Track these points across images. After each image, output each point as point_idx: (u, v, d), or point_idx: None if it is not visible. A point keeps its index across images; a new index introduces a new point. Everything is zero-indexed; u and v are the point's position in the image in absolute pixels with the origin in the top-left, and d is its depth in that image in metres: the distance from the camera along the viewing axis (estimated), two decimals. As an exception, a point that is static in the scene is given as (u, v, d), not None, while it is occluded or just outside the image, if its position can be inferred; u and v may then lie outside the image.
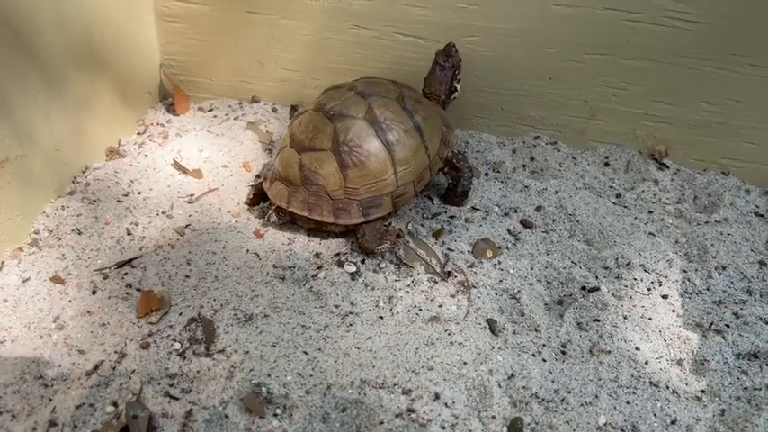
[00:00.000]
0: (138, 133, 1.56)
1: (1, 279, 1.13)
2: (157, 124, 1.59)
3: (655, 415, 1.02)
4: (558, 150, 1.57)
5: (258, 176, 1.45)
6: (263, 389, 0.98)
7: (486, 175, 1.49)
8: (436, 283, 1.21)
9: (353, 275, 1.22)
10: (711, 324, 1.18)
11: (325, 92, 1.34)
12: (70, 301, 1.12)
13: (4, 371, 0.99)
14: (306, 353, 1.05)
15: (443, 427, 0.96)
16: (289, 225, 1.31)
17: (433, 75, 1.41)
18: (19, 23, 1.15)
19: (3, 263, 1.16)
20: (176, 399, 0.96)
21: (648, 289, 1.25)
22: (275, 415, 0.95)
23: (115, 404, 0.95)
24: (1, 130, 1.14)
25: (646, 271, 1.29)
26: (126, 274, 1.18)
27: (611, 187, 1.49)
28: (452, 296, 1.18)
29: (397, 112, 1.27)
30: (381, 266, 1.24)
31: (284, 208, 1.27)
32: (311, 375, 1.02)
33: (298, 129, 1.28)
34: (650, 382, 1.07)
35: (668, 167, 1.53)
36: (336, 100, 1.28)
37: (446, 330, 1.12)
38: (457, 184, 1.38)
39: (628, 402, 1.04)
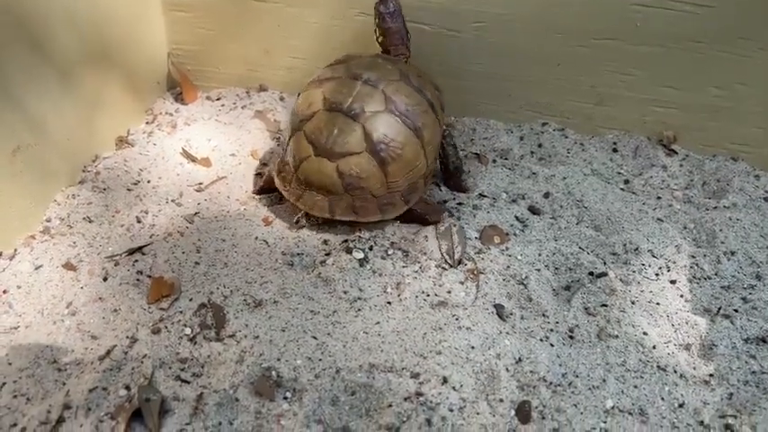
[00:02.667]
0: (147, 122, 1.57)
1: (14, 266, 1.15)
2: (166, 113, 1.60)
3: (662, 399, 1.03)
4: (566, 137, 1.56)
5: (264, 164, 1.45)
6: (273, 373, 0.99)
7: (494, 161, 1.49)
8: (444, 269, 1.22)
9: (361, 262, 1.22)
10: (720, 309, 1.18)
11: (322, 82, 1.28)
12: (82, 287, 1.13)
13: (18, 356, 1.01)
14: (315, 337, 1.06)
15: (451, 410, 0.96)
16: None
17: (388, 29, 1.37)
18: (32, 18, 1.17)
19: (16, 250, 1.18)
20: (187, 383, 0.98)
21: (656, 274, 1.25)
22: (285, 398, 0.97)
23: (128, 388, 0.97)
24: (14, 119, 1.15)
25: (654, 256, 1.28)
26: (136, 261, 1.19)
27: (620, 173, 1.49)
28: (461, 283, 1.19)
29: (410, 95, 1.27)
30: (389, 253, 1.25)
31: (329, 217, 1.24)
32: (320, 359, 1.03)
33: (318, 134, 1.23)
34: (658, 367, 1.08)
35: (677, 153, 1.53)
36: (347, 95, 1.23)
37: (454, 315, 1.12)
38: (447, 163, 1.38)
39: (635, 386, 1.04)
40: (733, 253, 1.30)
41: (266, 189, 1.37)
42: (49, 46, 1.23)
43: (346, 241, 1.27)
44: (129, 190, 1.35)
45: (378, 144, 1.22)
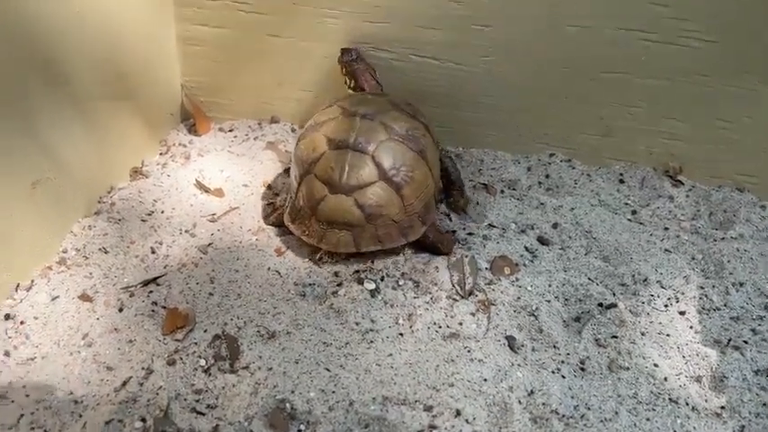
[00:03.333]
0: (161, 153, 1.60)
1: (31, 297, 1.17)
2: (179, 145, 1.63)
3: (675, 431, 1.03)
4: (573, 168, 1.58)
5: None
6: (287, 405, 1.00)
7: (502, 192, 1.51)
8: (456, 300, 1.23)
9: (373, 293, 1.24)
10: (730, 340, 1.19)
11: (320, 126, 1.32)
12: (98, 318, 1.15)
13: (35, 387, 1.02)
14: (328, 369, 1.07)
15: (465, 444, 0.97)
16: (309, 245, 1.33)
17: (355, 71, 1.47)
18: (51, 54, 1.20)
19: (33, 281, 1.20)
20: (203, 414, 0.99)
21: (666, 305, 1.26)
22: (299, 431, 0.97)
23: (143, 420, 0.98)
24: (35, 153, 1.18)
25: (663, 287, 1.30)
26: (151, 291, 1.21)
27: (627, 204, 1.50)
28: (472, 314, 1.20)
29: (407, 121, 1.32)
30: (400, 284, 1.26)
31: (354, 251, 1.27)
32: (333, 392, 1.03)
33: (330, 173, 1.25)
34: (670, 399, 1.08)
35: (683, 184, 1.54)
36: (349, 131, 1.27)
37: (466, 347, 1.13)
38: (448, 175, 1.44)
39: (648, 419, 1.05)
40: (741, 284, 1.30)
41: (278, 224, 1.39)
42: (71, 83, 1.26)
43: (357, 272, 1.29)
44: (143, 221, 1.38)
45: (390, 171, 1.26)
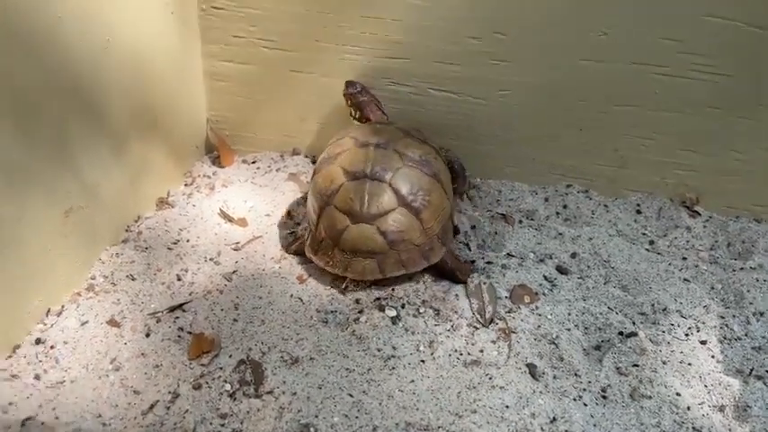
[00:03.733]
0: (186, 184, 1.64)
1: (61, 322, 1.19)
2: (204, 176, 1.67)
3: (699, 461, 1.03)
4: (590, 198, 1.61)
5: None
6: (312, 429, 1.01)
7: (521, 222, 1.54)
8: (476, 328, 1.24)
9: (394, 320, 1.25)
10: (752, 370, 1.19)
11: (334, 159, 1.35)
12: (126, 343, 1.17)
13: (65, 410, 1.04)
14: (351, 395, 1.08)
15: (488, 470, 0.97)
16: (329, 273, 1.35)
17: (361, 102, 1.52)
18: (83, 84, 1.25)
19: (63, 307, 1.23)
20: (228, 438, 1.00)
21: (686, 334, 1.26)
22: (323, 455, 0.98)
23: (170, 443, 0.99)
24: (69, 182, 1.23)
25: (683, 317, 1.30)
26: (177, 317, 1.23)
27: (644, 234, 1.52)
28: (493, 342, 1.21)
29: (419, 146, 1.37)
30: (421, 311, 1.28)
31: (381, 277, 1.30)
32: (357, 417, 1.04)
33: (351, 203, 1.29)
34: (693, 428, 1.08)
35: (700, 215, 1.56)
36: (365, 161, 1.31)
37: (487, 375, 1.14)
38: (453, 166, 1.50)
39: (671, 448, 1.04)
40: (762, 314, 1.31)
41: (299, 252, 1.42)
42: (103, 115, 1.31)
43: (378, 299, 1.30)
44: (169, 249, 1.41)
45: (408, 197, 1.30)
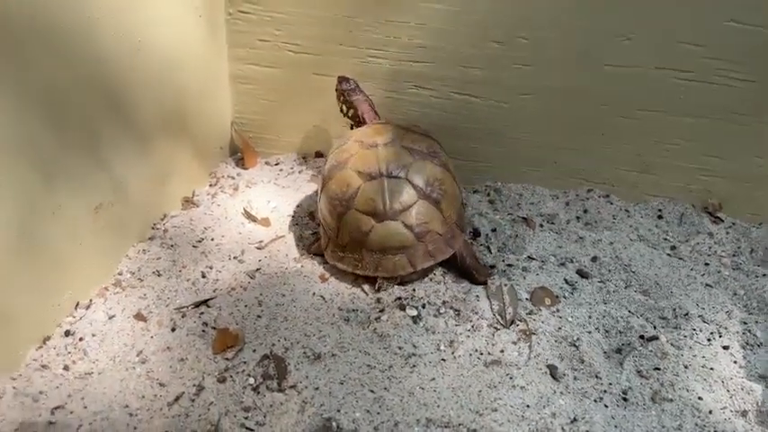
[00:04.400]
0: (211, 185, 1.67)
1: (90, 315, 1.22)
2: (228, 177, 1.70)
3: (722, 465, 1.02)
4: (611, 203, 1.61)
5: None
6: (334, 423, 1.02)
7: (541, 226, 1.54)
8: (497, 329, 1.25)
9: (415, 319, 1.26)
10: (775, 376, 1.18)
11: (344, 164, 1.36)
12: (152, 337, 1.20)
13: (93, 400, 1.06)
14: (372, 391, 1.09)
15: (509, 468, 0.98)
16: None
17: (355, 101, 1.50)
18: (120, 93, 1.29)
19: (91, 300, 1.26)
20: (252, 430, 1.01)
21: (708, 339, 1.26)
22: (345, 449, 0.99)
23: (195, 434, 1.01)
24: (100, 179, 1.26)
25: (705, 322, 1.29)
26: (202, 313, 1.26)
27: (666, 239, 1.51)
28: (514, 343, 1.22)
29: (423, 140, 1.41)
30: (441, 312, 1.29)
31: (412, 270, 1.31)
32: (378, 413, 1.05)
33: (372, 203, 1.30)
34: (715, 432, 1.07)
35: (722, 221, 1.55)
36: (377, 161, 1.33)
37: (508, 374, 1.15)
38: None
39: (693, 451, 1.04)
40: (786, 320, 1.30)
41: (321, 253, 1.43)
42: (132, 115, 1.35)
43: (399, 299, 1.32)
44: (194, 247, 1.44)
45: (426, 189, 1.33)
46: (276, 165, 1.76)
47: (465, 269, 1.37)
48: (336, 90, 1.54)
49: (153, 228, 1.47)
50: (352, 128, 1.54)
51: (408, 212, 1.31)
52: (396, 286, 1.34)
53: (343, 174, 1.36)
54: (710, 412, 1.11)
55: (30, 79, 1.06)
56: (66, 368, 1.12)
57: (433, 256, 1.32)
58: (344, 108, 1.54)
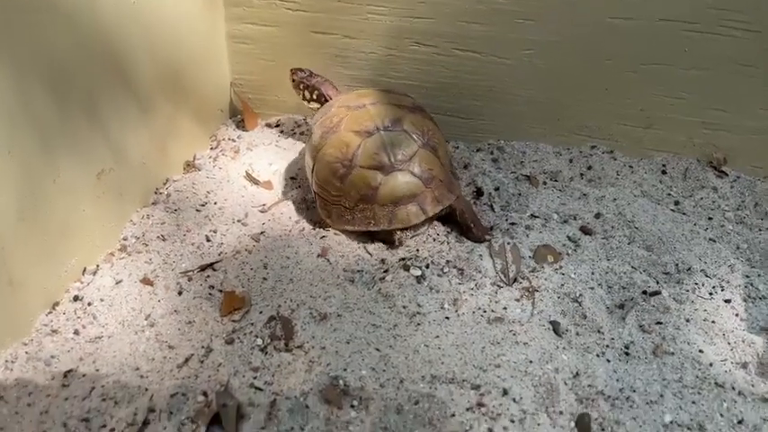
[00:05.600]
0: (212, 148, 1.66)
1: (97, 281, 1.24)
2: (229, 139, 1.69)
3: (721, 415, 1.04)
4: (615, 159, 1.60)
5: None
6: (341, 382, 1.04)
7: (545, 183, 1.54)
8: (500, 287, 1.26)
9: (419, 279, 1.27)
10: (776, 328, 1.19)
11: (336, 128, 1.37)
12: (159, 300, 1.21)
13: (104, 363, 1.08)
14: (378, 350, 1.11)
15: (512, 421, 1.00)
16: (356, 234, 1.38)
17: (315, 84, 1.56)
18: (118, 56, 1.28)
19: (98, 266, 1.27)
20: (261, 390, 1.04)
21: (710, 293, 1.27)
22: (352, 406, 1.01)
23: (205, 394, 1.03)
24: (100, 144, 1.25)
25: (707, 276, 1.30)
26: (208, 276, 1.27)
27: (670, 195, 1.51)
28: (517, 300, 1.23)
29: (403, 98, 1.46)
30: (445, 271, 1.30)
31: (425, 217, 1.33)
32: (384, 370, 1.07)
33: (377, 158, 1.32)
34: (716, 384, 1.09)
35: (727, 175, 1.54)
36: (371, 119, 1.36)
37: (511, 331, 1.16)
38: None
39: (693, 402, 1.06)
40: (788, 273, 1.30)
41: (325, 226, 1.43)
42: (132, 79, 1.33)
43: (403, 259, 1.32)
44: (197, 211, 1.44)
45: (423, 138, 1.37)
46: (276, 126, 1.74)
47: (464, 224, 1.38)
48: (294, 82, 1.58)
49: (156, 192, 1.47)
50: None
51: (413, 161, 1.33)
52: (400, 247, 1.34)
53: (338, 137, 1.36)
54: (711, 365, 1.12)
55: (27, 45, 1.05)
56: (76, 332, 1.14)
57: (440, 202, 1.35)
58: (308, 94, 1.57)
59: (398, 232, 1.34)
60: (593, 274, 1.29)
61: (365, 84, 1.65)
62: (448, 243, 1.37)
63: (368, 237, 1.38)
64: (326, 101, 1.54)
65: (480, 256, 1.33)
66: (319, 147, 1.39)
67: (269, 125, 1.75)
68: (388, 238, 1.35)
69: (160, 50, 1.41)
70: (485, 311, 1.21)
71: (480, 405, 1.02)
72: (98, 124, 1.25)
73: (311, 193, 1.48)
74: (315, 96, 1.56)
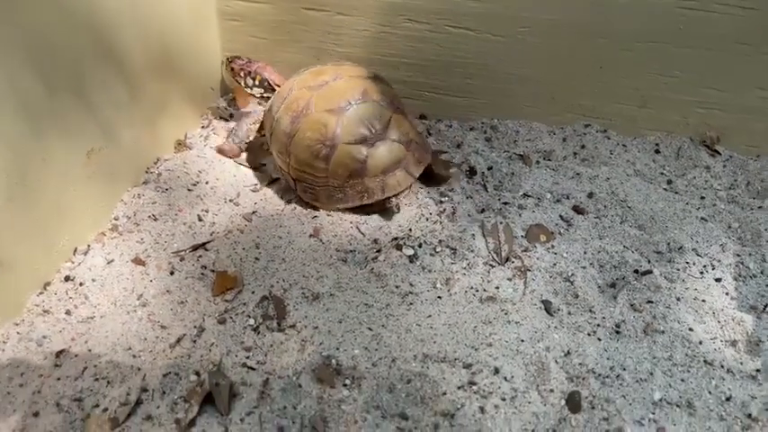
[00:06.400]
0: (203, 126, 1.65)
1: (88, 261, 1.23)
2: (220, 118, 1.67)
3: (710, 392, 1.05)
4: (609, 138, 1.59)
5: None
6: (333, 361, 1.05)
7: (538, 162, 1.53)
8: (492, 266, 1.26)
9: (411, 258, 1.27)
10: (766, 306, 1.20)
11: (306, 111, 1.36)
12: (151, 280, 1.21)
13: (97, 343, 1.08)
14: (370, 329, 1.12)
15: (503, 399, 1.01)
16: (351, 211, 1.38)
17: (257, 69, 1.55)
18: (105, 33, 1.26)
19: (89, 246, 1.26)
20: (253, 369, 1.04)
21: (701, 272, 1.27)
22: (345, 385, 1.02)
23: (197, 374, 1.03)
24: (89, 123, 1.24)
25: (698, 255, 1.31)
26: (200, 256, 1.26)
27: (662, 174, 1.51)
28: (509, 279, 1.23)
29: (359, 69, 1.45)
30: (437, 250, 1.30)
31: (413, 180, 1.38)
32: (376, 349, 1.08)
33: (358, 132, 1.33)
34: (704, 361, 1.10)
35: (720, 154, 1.54)
36: (340, 95, 1.36)
37: (503, 310, 1.16)
38: None
39: (682, 380, 1.07)
40: (779, 252, 1.31)
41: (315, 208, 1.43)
42: (121, 57, 1.31)
43: (396, 239, 1.32)
44: (189, 190, 1.43)
45: (393, 104, 1.39)
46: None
47: (439, 174, 1.44)
48: (232, 71, 1.58)
49: (147, 172, 1.46)
50: (264, 99, 1.57)
51: (390, 128, 1.36)
52: (390, 226, 1.34)
53: (312, 118, 1.35)
54: (701, 342, 1.13)
55: (13, 22, 1.03)
56: (68, 312, 1.14)
57: (421, 162, 1.39)
58: (250, 81, 1.57)
59: (393, 199, 1.36)
60: (585, 253, 1.30)
61: (359, 61, 1.63)
62: (440, 223, 1.37)
63: (362, 211, 1.37)
64: (269, 84, 1.55)
65: (473, 235, 1.33)
66: (293, 132, 1.37)
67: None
68: (382, 208, 1.36)
69: (149, 28, 1.39)
70: (477, 291, 1.21)
71: (472, 383, 1.03)
72: (87, 103, 1.23)
73: (285, 181, 1.45)
74: (258, 82, 1.56)
